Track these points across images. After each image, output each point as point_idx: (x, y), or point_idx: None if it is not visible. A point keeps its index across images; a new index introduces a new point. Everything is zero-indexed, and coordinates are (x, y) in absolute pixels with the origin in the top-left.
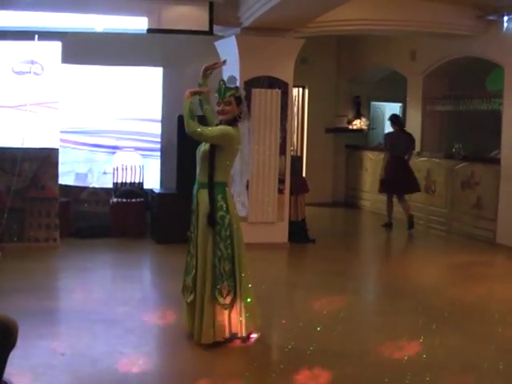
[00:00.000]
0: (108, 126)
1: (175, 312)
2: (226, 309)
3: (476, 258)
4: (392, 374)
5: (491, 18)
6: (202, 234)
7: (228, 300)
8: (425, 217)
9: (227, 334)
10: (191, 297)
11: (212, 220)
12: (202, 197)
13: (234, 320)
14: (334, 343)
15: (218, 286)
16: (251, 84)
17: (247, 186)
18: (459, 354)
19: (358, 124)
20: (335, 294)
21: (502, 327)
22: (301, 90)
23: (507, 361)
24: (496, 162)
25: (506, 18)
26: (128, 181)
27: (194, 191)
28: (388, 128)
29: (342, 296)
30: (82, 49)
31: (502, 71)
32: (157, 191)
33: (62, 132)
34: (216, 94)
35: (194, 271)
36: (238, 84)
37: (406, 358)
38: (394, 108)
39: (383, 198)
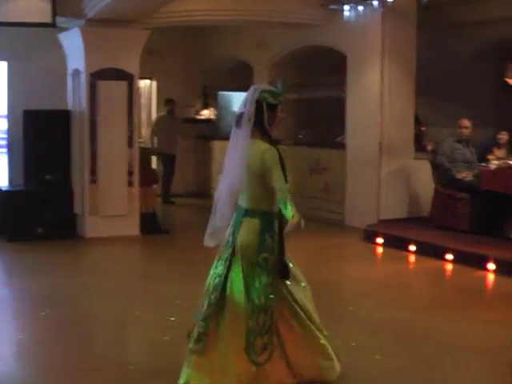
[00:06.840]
0: None
1: (31, 312)
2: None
3: (326, 241)
4: None
5: (333, 7)
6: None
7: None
8: None
9: None
10: None
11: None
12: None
13: None
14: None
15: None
16: (97, 76)
17: None
18: None
19: (206, 114)
20: (189, 282)
21: (352, 306)
22: (148, 81)
23: (361, 339)
24: (342, 146)
25: (347, 7)
26: None
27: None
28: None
29: (197, 284)
30: None
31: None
32: (4, 188)
33: None
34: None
35: None
36: None
37: None
38: (241, 97)
39: None
